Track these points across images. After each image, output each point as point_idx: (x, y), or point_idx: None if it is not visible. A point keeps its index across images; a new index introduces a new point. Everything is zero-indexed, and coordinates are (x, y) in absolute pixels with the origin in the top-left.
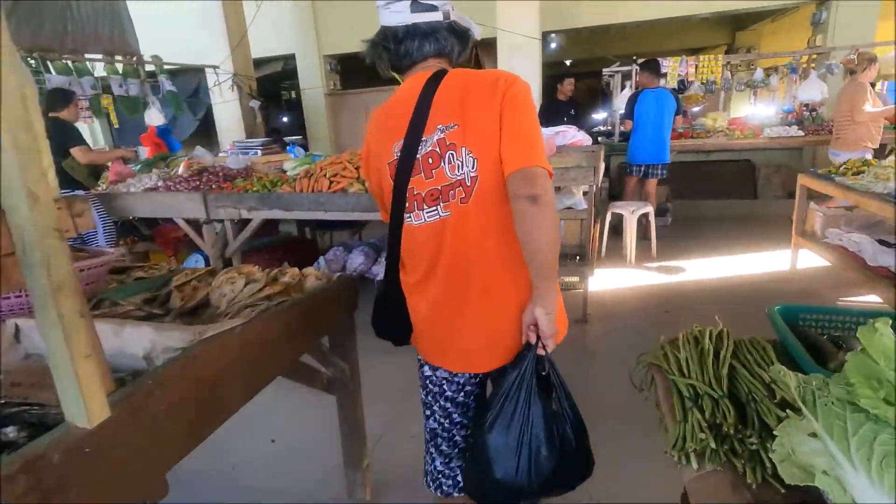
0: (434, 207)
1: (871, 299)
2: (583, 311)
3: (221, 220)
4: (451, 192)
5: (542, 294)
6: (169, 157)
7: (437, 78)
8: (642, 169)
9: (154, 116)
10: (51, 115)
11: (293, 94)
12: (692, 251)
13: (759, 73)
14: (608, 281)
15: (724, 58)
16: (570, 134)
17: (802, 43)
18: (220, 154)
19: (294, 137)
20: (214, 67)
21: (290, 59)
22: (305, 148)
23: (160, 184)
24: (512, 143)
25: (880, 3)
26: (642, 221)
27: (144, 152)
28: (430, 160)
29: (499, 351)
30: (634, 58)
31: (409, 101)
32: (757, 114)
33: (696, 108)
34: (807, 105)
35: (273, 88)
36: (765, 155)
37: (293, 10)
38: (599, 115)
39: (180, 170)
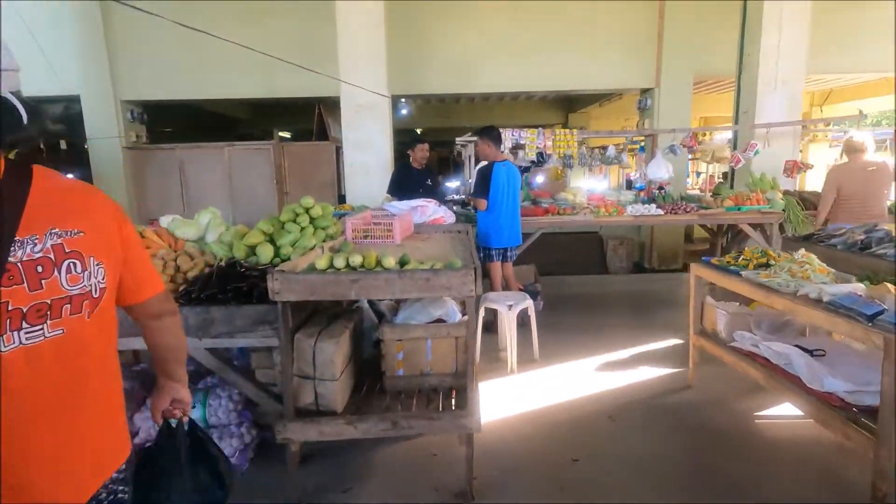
0: (39, 325)
1: (792, 411)
2: (467, 482)
3: None
4: (65, 306)
5: (184, 378)
6: None
7: (19, 171)
8: (501, 252)
9: None
10: None
11: (76, 147)
12: (572, 345)
13: (611, 150)
14: (489, 404)
15: (578, 133)
16: (430, 210)
17: (623, 125)
18: None
19: None
20: None
21: (74, 102)
22: None
23: None
24: (146, 265)
25: (691, 93)
26: (521, 317)
27: None
28: (40, 268)
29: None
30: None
31: None
32: (599, 189)
33: (553, 182)
34: (655, 183)
35: (52, 138)
36: (609, 228)
37: (78, 42)
38: (452, 184)
39: None
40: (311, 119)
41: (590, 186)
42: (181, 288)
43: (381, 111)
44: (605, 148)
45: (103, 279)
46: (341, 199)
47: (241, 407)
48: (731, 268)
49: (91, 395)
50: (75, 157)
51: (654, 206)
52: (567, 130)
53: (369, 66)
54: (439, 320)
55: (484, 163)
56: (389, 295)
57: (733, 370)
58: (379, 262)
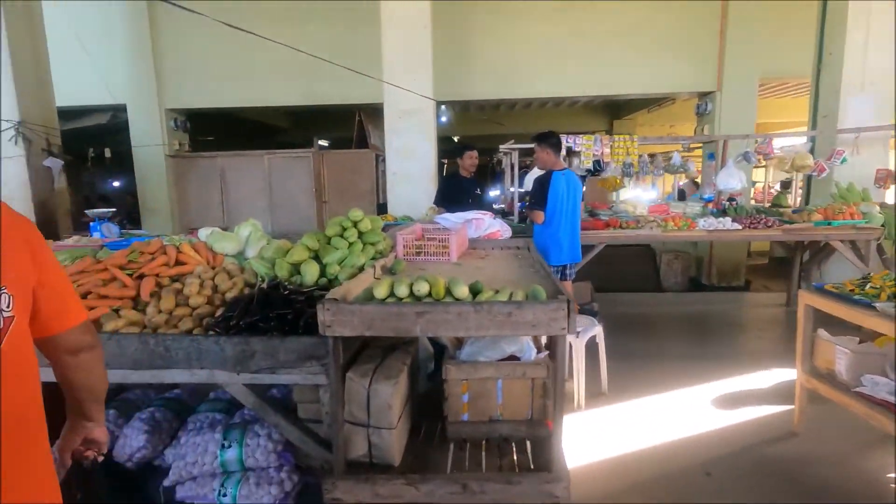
0: None
1: None
2: None
3: None
4: None
5: (100, 417)
6: None
7: None
8: (560, 270)
9: None
10: None
11: (123, 154)
12: (644, 377)
13: (677, 158)
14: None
15: (639, 139)
16: (486, 222)
17: (669, 131)
18: None
19: (102, 210)
20: None
21: (121, 111)
22: (134, 223)
23: None
24: (65, 292)
25: (756, 96)
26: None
27: None
28: None
29: None
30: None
31: None
32: (644, 198)
33: (613, 193)
34: (725, 193)
35: (99, 146)
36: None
37: (128, 55)
38: (492, 193)
39: None
40: (350, 127)
41: (633, 196)
42: (218, 312)
43: (426, 117)
44: (668, 155)
45: (9, 307)
46: (380, 208)
47: (281, 448)
48: (857, 297)
49: (23, 433)
50: (120, 165)
51: (728, 219)
52: (627, 136)
53: (414, 69)
54: (512, 357)
55: (536, 171)
56: (462, 332)
57: (849, 414)
58: (449, 291)
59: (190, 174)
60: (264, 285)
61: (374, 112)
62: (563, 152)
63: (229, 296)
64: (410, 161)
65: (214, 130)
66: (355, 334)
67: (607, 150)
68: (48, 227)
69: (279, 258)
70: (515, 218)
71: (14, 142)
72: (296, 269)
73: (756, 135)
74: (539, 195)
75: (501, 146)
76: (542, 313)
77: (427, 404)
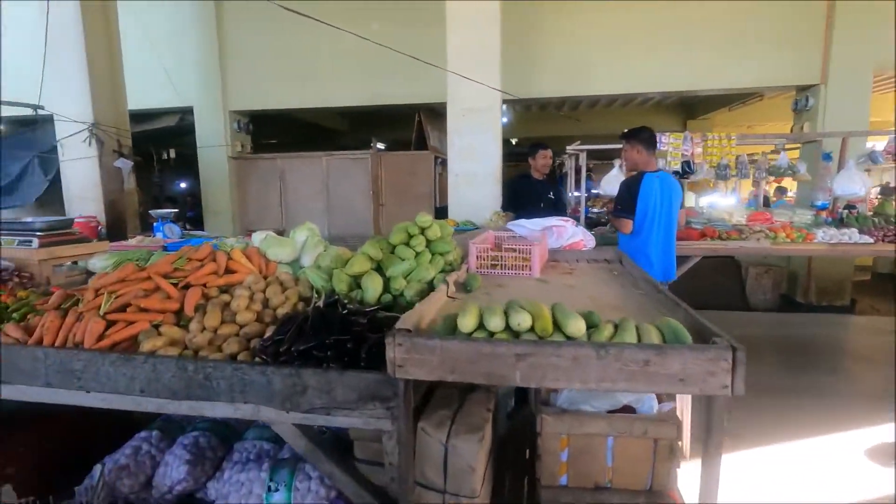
0: None
1: None
2: None
3: None
4: None
5: None
6: None
7: None
8: None
9: None
10: None
11: (185, 156)
12: (757, 417)
13: (784, 159)
14: None
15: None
16: (568, 231)
17: (747, 131)
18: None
19: (165, 211)
20: (36, 107)
21: (188, 114)
22: (196, 224)
23: None
24: None
25: (871, 90)
26: None
27: None
28: None
29: None
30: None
31: None
32: (722, 204)
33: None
34: (842, 200)
35: (166, 148)
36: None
37: (196, 58)
38: None
39: None
40: (407, 129)
41: (711, 201)
42: (268, 332)
43: (491, 116)
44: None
45: None
46: (438, 212)
47: (335, 495)
48: None
49: None
50: (186, 167)
51: (852, 230)
52: (723, 135)
53: (481, 66)
54: (627, 409)
55: (616, 173)
56: (578, 383)
57: None
58: (557, 326)
59: (251, 176)
60: (320, 303)
61: (435, 113)
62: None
63: (281, 312)
64: (474, 162)
65: (274, 133)
66: (434, 378)
67: (699, 150)
68: (117, 226)
69: (337, 269)
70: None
71: (88, 143)
72: (356, 281)
73: (880, 131)
74: (626, 201)
75: (569, 147)
76: (695, 363)
77: (508, 450)
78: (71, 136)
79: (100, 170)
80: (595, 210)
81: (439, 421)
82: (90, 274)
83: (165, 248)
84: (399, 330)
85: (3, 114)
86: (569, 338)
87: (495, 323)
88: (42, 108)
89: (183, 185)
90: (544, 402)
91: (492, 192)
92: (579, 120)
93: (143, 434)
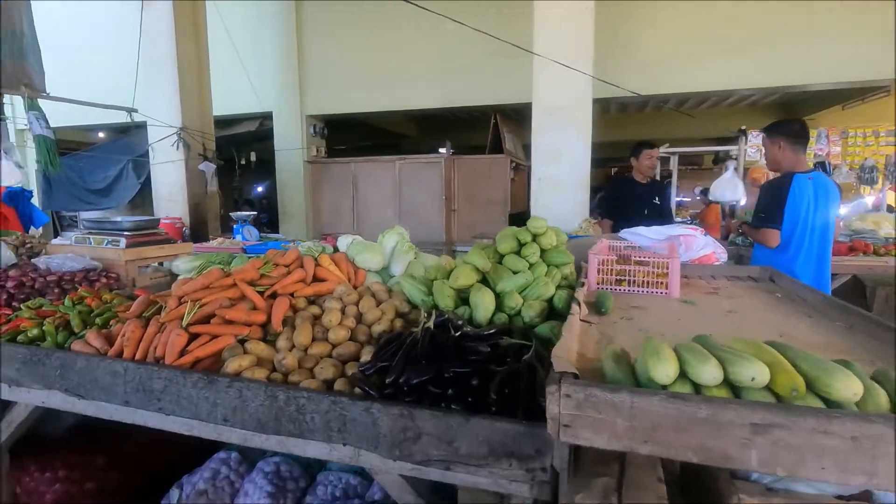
0: None
1: None
2: None
3: None
4: None
5: None
6: None
7: None
8: None
9: (3, 172)
10: None
11: (263, 160)
12: None
13: None
14: None
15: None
16: (699, 242)
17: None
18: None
19: (244, 213)
20: (130, 110)
21: (267, 119)
22: (271, 228)
23: None
24: None
25: None
26: None
27: None
28: None
29: None
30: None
31: None
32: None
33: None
34: None
35: (246, 152)
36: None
37: (277, 64)
38: None
39: None
40: (476, 134)
41: (850, 209)
42: (364, 354)
43: (581, 114)
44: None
45: None
46: (513, 219)
47: None
48: None
49: None
50: (264, 172)
51: None
52: (868, 131)
53: (571, 61)
54: (865, 495)
55: (729, 177)
56: (862, 477)
57: None
58: (809, 384)
59: (325, 180)
60: (430, 323)
61: (510, 116)
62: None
63: (377, 330)
64: (560, 165)
65: (346, 138)
66: (619, 448)
67: (836, 150)
68: (200, 228)
69: (438, 280)
70: None
71: (176, 147)
72: (461, 296)
73: None
74: (772, 208)
75: (661, 149)
76: None
77: None
78: (161, 140)
79: (186, 173)
80: (678, 220)
81: (601, 494)
82: (174, 276)
83: (245, 251)
84: (565, 375)
85: (105, 121)
86: (829, 403)
87: (710, 374)
88: (136, 111)
89: (259, 189)
90: (735, 473)
91: (579, 198)
92: (693, 115)
93: (222, 455)
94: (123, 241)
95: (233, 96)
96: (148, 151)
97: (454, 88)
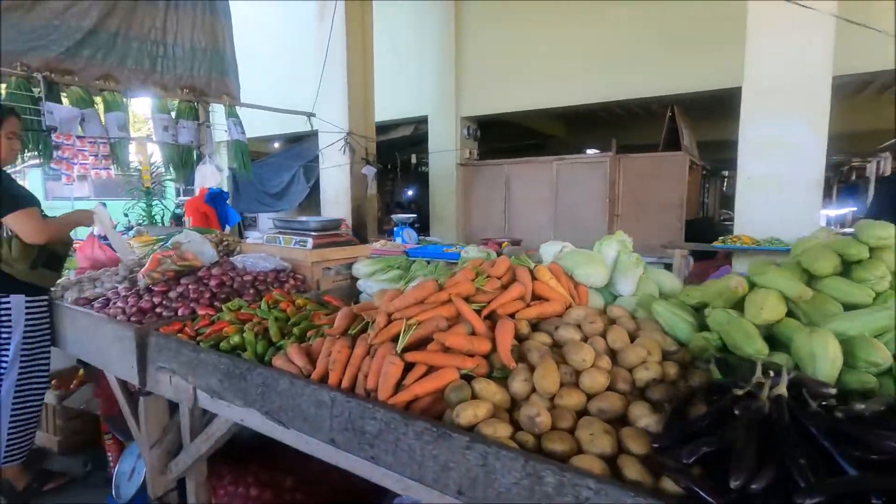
0: None
1: None
2: None
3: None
4: None
5: None
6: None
7: None
8: None
9: (207, 174)
10: None
11: (417, 164)
12: None
13: None
14: None
15: None
16: None
17: None
18: (255, 237)
19: (405, 216)
20: (309, 115)
21: (422, 123)
22: (422, 231)
23: (117, 289)
24: None
25: None
26: None
27: (188, 224)
28: None
29: None
30: None
31: None
32: None
33: None
34: None
35: (400, 157)
36: None
37: (435, 66)
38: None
39: (143, 268)
40: (636, 132)
41: None
42: (639, 415)
43: (814, 97)
44: None
45: None
46: (689, 225)
47: None
48: None
49: None
50: (416, 175)
51: None
52: None
53: (801, 30)
54: None
55: None
56: None
57: None
58: None
59: (476, 182)
60: (781, 388)
61: (691, 106)
62: None
63: (642, 376)
64: (778, 160)
65: (495, 139)
66: None
67: None
68: (361, 230)
69: (719, 309)
70: None
71: (343, 151)
72: (769, 335)
73: None
74: None
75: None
76: None
77: None
78: (330, 145)
79: (350, 176)
80: None
81: None
82: (353, 279)
83: (407, 254)
84: None
85: (280, 132)
86: None
87: None
88: (314, 115)
89: (409, 192)
90: None
91: (808, 201)
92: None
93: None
94: (310, 242)
95: (391, 102)
96: (317, 157)
97: (619, 81)
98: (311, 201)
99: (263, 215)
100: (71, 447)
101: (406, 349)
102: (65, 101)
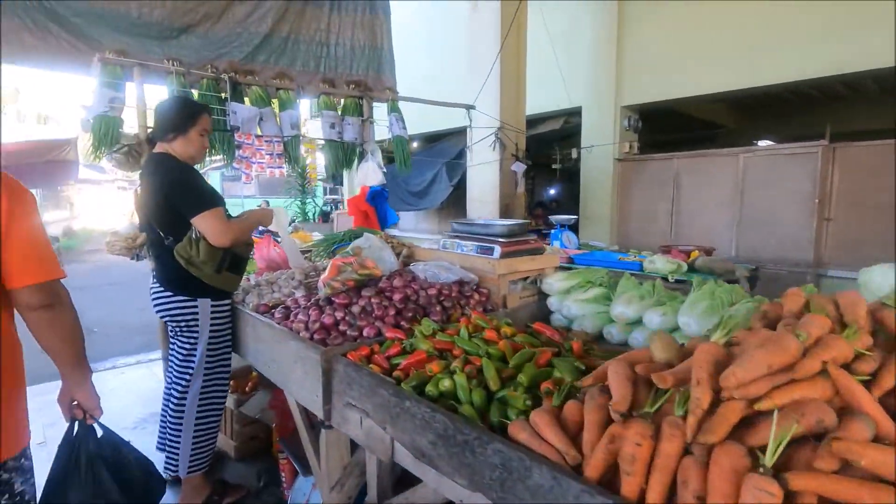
0: None
1: None
2: None
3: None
4: None
5: (74, 380)
6: (352, 236)
7: None
8: None
9: (369, 172)
10: (157, 147)
11: (564, 161)
12: None
13: None
14: None
15: None
16: None
17: None
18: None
19: (566, 217)
20: (469, 107)
21: (572, 116)
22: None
23: (295, 297)
24: (29, 252)
25: None
26: None
27: (349, 223)
28: None
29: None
30: None
31: None
32: None
33: None
34: None
35: (546, 152)
36: None
37: (592, 52)
38: None
39: (323, 276)
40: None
41: None
42: None
43: None
44: None
45: None
46: None
47: None
48: None
49: None
50: (563, 172)
51: None
52: None
53: None
54: None
55: None
56: None
57: None
58: None
59: (637, 179)
60: None
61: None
62: None
63: None
64: None
65: (657, 131)
66: None
67: None
68: None
69: None
70: None
71: (492, 147)
72: None
73: None
74: None
75: None
76: None
77: None
78: (479, 141)
79: (499, 173)
80: None
81: None
82: (542, 295)
83: (572, 261)
84: None
85: (422, 130)
86: None
87: None
88: (474, 107)
89: (551, 191)
90: None
91: None
92: None
93: None
94: (498, 250)
95: (540, 94)
96: (460, 154)
97: (823, 54)
98: (452, 201)
99: (402, 214)
100: (246, 454)
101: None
102: (245, 101)
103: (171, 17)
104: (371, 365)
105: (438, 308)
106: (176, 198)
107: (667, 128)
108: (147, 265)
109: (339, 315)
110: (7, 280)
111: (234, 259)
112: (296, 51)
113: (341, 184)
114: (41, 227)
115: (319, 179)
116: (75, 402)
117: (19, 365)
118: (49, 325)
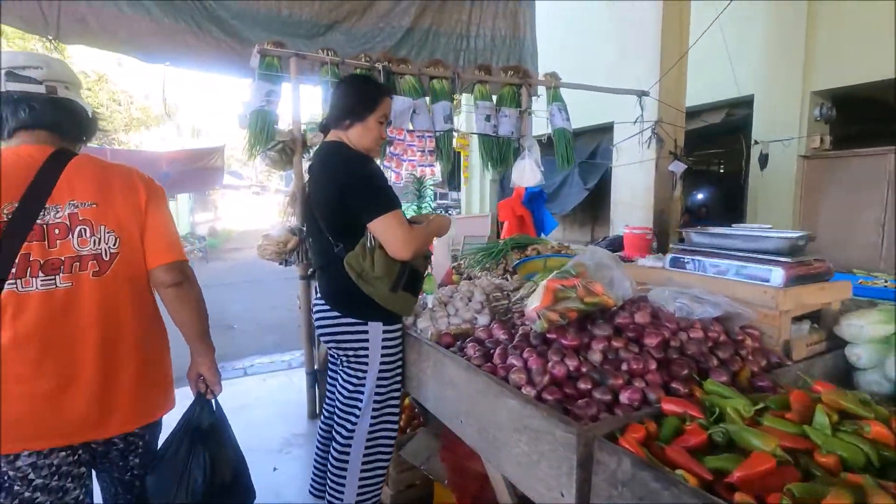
0: (52, 276)
1: None
2: None
3: None
4: (75, 263)
5: (199, 353)
6: (520, 244)
7: (60, 155)
8: None
9: (526, 171)
10: (330, 135)
11: (730, 159)
12: None
13: None
14: None
15: None
16: None
17: None
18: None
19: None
20: (642, 94)
21: (737, 106)
22: None
23: (488, 328)
24: (159, 234)
25: None
26: None
27: (468, 228)
28: (57, 231)
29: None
30: None
31: (25, 168)
32: None
33: None
34: None
35: (702, 149)
36: None
37: (772, 28)
38: None
39: (534, 302)
40: None
41: None
42: None
43: None
44: None
45: (115, 245)
46: None
47: None
48: None
49: (114, 347)
50: (723, 172)
51: None
52: None
53: None
54: None
55: None
56: None
57: None
58: None
59: (830, 180)
60: None
61: None
62: None
63: None
64: None
65: (852, 121)
66: None
67: None
68: (662, 241)
69: None
70: None
71: (647, 145)
72: None
73: None
74: None
75: None
76: None
77: None
78: (629, 138)
79: (654, 173)
80: None
81: None
82: (836, 341)
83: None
84: None
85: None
86: None
87: None
88: (647, 94)
89: (699, 195)
90: None
91: None
92: None
93: None
94: (780, 274)
95: (697, 83)
96: (593, 154)
97: None
98: (585, 206)
99: None
100: None
101: None
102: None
103: (319, 14)
104: (685, 476)
105: (715, 361)
106: (354, 195)
107: (863, 118)
108: (295, 270)
109: (571, 364)
110: (146, 262)
111: (413, 275)
112: (436, 44)
113: (458, 189)
114: (171, 216)
115: (432, 185)
116: (201, 377)
117: (165, 335)
118: (180, 299)
